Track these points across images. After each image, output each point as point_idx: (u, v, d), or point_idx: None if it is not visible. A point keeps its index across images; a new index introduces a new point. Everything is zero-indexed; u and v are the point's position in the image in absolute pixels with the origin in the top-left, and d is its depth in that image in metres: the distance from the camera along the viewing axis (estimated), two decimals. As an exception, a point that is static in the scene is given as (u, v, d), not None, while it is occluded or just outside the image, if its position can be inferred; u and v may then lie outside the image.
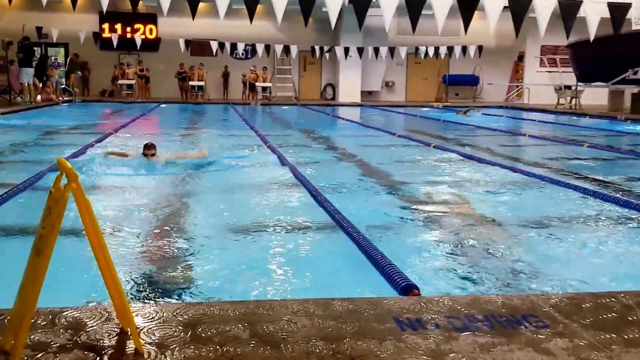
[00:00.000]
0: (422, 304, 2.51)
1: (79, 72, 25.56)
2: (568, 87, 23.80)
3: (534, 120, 18.68)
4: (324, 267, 3.95)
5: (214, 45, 25.19)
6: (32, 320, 2.13)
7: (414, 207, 5.76)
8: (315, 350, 2.06)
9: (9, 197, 5.43)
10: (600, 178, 7.44)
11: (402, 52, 26.24)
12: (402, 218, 5.34)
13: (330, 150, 10.48)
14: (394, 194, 6.33)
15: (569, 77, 23.90)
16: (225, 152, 9.09)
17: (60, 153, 8.75)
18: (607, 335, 2.23)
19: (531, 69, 28.43)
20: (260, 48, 25.46)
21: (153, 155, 7.55)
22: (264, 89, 27.15)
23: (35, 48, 23.14)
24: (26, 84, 20.88)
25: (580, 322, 2.35)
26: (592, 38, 14.51)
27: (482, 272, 3.82)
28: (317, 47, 26.34)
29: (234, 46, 25.70)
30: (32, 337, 2.09)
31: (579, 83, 23.03)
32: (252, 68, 26.89)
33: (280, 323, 2.27)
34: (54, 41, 24.45)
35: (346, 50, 25.86)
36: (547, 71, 26.78)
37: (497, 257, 4.15)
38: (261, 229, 4.76)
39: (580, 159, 9.66)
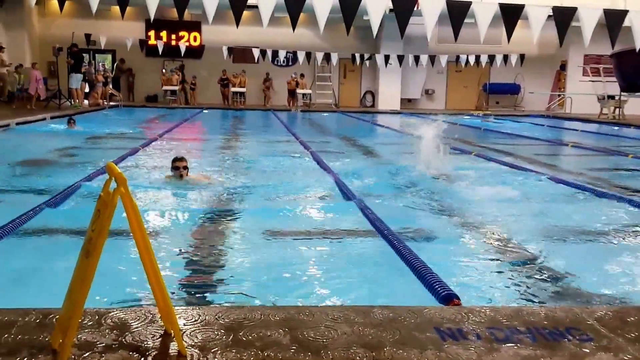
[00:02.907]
0: (464, 314, 2.48)
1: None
2: (611, 97, 23.32)
3: (577, 130, 18.34)
4: (365, 273, 3.94)
5: (256, 53, 25.45)
6: (79, 320, 2.18)
7: (455, 215, 5.71)
8: (355, 357, 2.06)
9: (60, 200, 5.57)
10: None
11: (443, 60, 26.09)
12: (443, 227, 5.31)
13: (369, 156, 10.47)
14: (434, 202, 6.29)
15: (612, 86, 23.42)
16: (267, 158, 9.16)
17: (108, 157, 8.94)
18: (654, 351, 2.17)
19: (574, 78, 27.93)
20: (301, 55, 25.63)
21: (185, 168, 6.47)
22: (304, 95, 27.31)
23: (83, 54, 23.73)
24: (75, 89, 21.43)
25: (625, 337, 2.30)
26: (638, 47, 14.18)
27: (525, 283, 3.76)
28: (357, 55, 26.37)
29: (275, 53, 25.93)
30: (79, 336, 2.14)
31: (622, 93, 22.54)
32: (292, 75, 27.11)
33: (321, 329, 2.28)
34: (102, 48, 25.06)
35: (386, 58, 25.82)
36: (590, 80, 26.29)
37: (539, 268, 4.08)
38: (301, 236, 4.78)
39: (624, 169, 9.45)
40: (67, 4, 16.66)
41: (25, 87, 20.54)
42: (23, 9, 23.67)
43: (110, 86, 25.03)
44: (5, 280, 3.58)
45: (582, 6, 14.30)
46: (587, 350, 2.16)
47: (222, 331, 2.24)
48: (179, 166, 6.43)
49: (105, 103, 23.56)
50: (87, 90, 23.14)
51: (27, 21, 24.74)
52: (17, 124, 14.32)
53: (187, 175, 6.49)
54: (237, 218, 5.41)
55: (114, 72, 26.95)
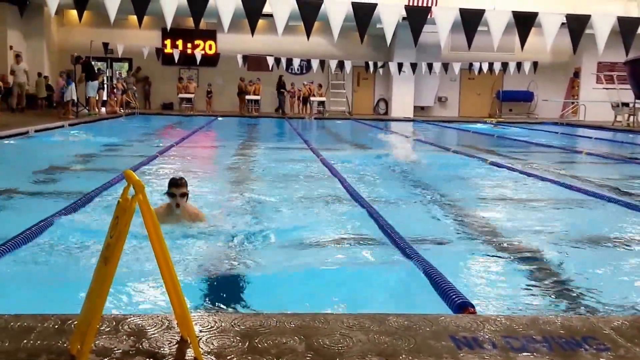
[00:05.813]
0: (479, 322, 2.48)
1: (134, 88, 26.07)
2: (626, 105, 23.18)
3: (591, 138, 18.22)
4: (377, 281, 3.94)
5: (270, 61, 25.58)
6: (97, 326, 2.19)
7: (469, 222, 5.69)
8: (370, 365, 2.06)
9: (78, 207, 5.61)
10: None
11: (456, 67, 26.07)
12: (456, 234, 5.29)
13: (383, 164, 10.44)
14: (448, 209, 6.27)
15: (626, 94, 23.28)
16: (280, 165, 9.17)
17: (125, 164, 9.00)
18: (672, 361, 2.15)
19: (587, 86, 27.81)
20: (315, 63, 25.72)
21: (183, 195, 4.93)
22: (318, 103, 27.39)
23: (92, 62, 23.80)
24: (91, 98, 21.60)
25: (643, 347, 2.28)
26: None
27: (540, 292, 3.75)
28: (371, 63, 26.42)
29: (289, 61, 26.04)
30: (96, 342, 2.16)
31: (637, 100, 22.39)
32: (305, 83, 27.23)
33: (336, 337, 2.27)
34: (119, 56, 25.30)
35: (400, 65, 25.84)
36: (603, 88, 26.14)
37: (554, 277, 4.06)
38: (316, 244, 4.78)
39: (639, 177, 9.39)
40: (85, 13, 16.83)
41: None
42: (42, 18, 23.97)
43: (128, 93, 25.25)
44: (23, 286, 3.61)
45: (595, 14, 14.26)
46: (604, 360, 2.15)
47: (238, 338, 2.24)
48: (175, 193, 4.91)
49: (122, 111, 23.75)
50: (104, 98, 23.34)
51: (46, 30, 25.03)
52: (36, 131, 14.47)
53: (185, 202, 5.00)
54: (250, 225, 5.41)
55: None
